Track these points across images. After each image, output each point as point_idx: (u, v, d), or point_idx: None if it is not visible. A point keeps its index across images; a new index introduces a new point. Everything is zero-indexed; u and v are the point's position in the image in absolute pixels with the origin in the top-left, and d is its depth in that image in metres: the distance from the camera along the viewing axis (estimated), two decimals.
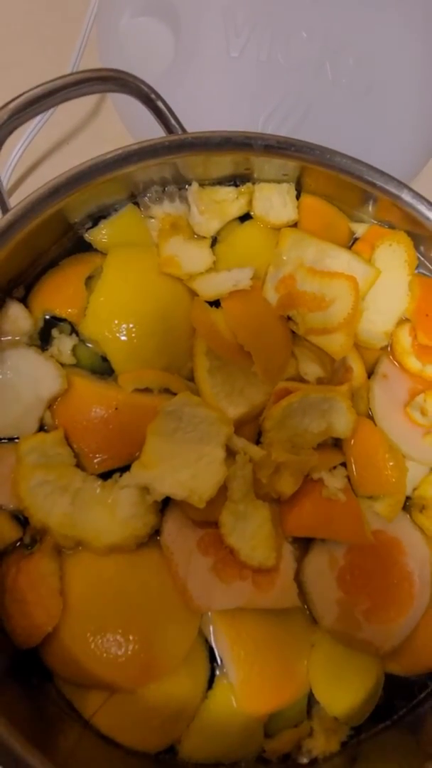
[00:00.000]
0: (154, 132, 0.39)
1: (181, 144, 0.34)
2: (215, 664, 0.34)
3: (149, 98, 0.35)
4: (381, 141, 0.51)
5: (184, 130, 0.36)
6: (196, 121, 0.40)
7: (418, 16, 0.50)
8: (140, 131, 0.53)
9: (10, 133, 0.33)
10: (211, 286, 0.37)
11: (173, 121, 0.36)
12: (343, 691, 0.34)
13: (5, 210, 0.33)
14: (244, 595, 0.33)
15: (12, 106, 0.32)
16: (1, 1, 0.61)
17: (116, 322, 0.35)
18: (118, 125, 0.55)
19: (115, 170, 0.34)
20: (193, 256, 0.38)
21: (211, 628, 0.34)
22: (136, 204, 0.39)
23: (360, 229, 0.41)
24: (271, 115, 0.49)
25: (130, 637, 0.32)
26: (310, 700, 0.34)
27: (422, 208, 0.37)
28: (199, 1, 0.48)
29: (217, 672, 0.34)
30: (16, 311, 0.35)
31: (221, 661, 0.34)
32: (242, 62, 0.47)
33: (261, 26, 0.48)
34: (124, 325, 0.35)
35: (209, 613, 0.34)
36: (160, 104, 0.36)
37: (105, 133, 0.59)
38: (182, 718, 0.32)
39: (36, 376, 0.34)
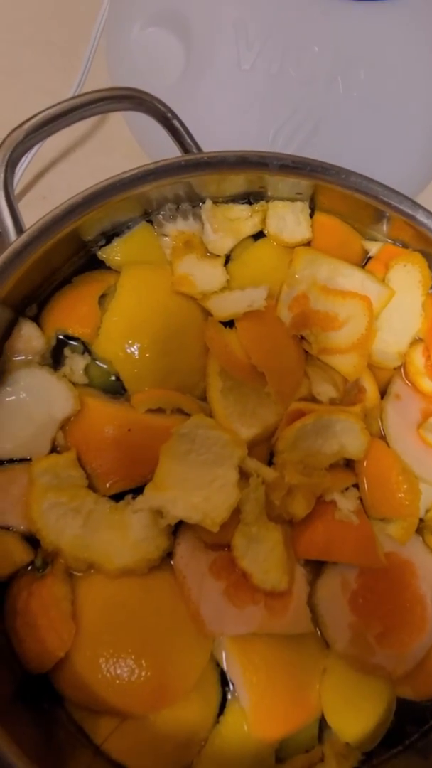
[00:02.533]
0: (164, 144, 0.38)
1: (197, 163, 0.34)
2: (227, 689, 0.34)
3: (165, 117, 0.35)
4: (391, 154, 0.51)
5: (199, 149, 0.36)
6: (206, 133, 0.39)
7: (429, 29, 0.50)
8: (151, 144, 0.53)
9: (26, 152, 0.32)
10: (226, 306, 0.36)
11: (189, 140, 0.36)
12: (355, 716, 0.34)
13: (19, 228, 0.32)
14: (256, 620, 0.33)
15: (27, 126, 0.31)
16: (9, 8, 0.61)
17: (129, 341, 0.35)
18: (125, 133, 0.55)
19: (132, 189, 0.33)
20: (206, 275, 0.38)
21: (223, 653, 0.34)
22: (150, 222, 0.39)
23: (374, 248, 0.41)
24: (281, 128, 0.49)
25: (143, 663, 0.31)
26: (322, 725, 0.34)
27: None
28: (210, 13, 0.47)
29: (229, 696, 0.34)
30: (29, 330, 0.35)
31: (233, 685, 0.34)
32: (253, 75, 0.47)
33: (272, 39, 0.47)
34: (137, 345, 0.35)
35: (221, 637, 0.33)
36: (176, 123, 0.35)
37: (112, 141, 0.59)
38: (194, 744, 0.32)
39: (49, 396, 0.34)
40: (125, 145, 0.57)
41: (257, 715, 0.33)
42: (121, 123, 0.56)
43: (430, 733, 0.35)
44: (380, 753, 0.35)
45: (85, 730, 0.32)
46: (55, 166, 0.58)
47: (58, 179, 0.57)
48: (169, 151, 0.38)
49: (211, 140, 0.38)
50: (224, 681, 0.34)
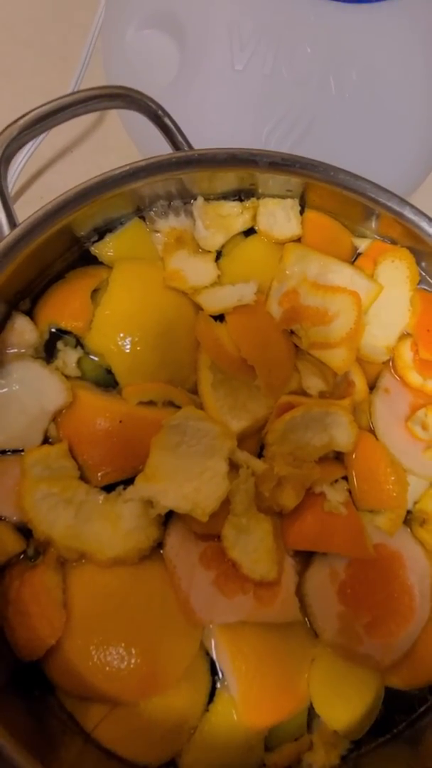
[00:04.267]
0: (160, 144, 0.39)
1: (188, 160, 0.35)
2: (216, 677, 0.34)
3: (157, 115, 0.36)
4: (383, 154, 0.51)
5: (190, 146, 0.37)
6: (200, 133, 0.40)
7: (421, 31, 0.50)
8: (145, 143, 0.53)
9: (19, 149, 0.33)
10: (216, 300, 0.37)
11: (180, 138, 0.36)
12: (343, 705, 0.34)
13: (12, 223, 0.33)
14: (245, 609, 0.33)
15: (21, 122, 0.32)
16: (7, 8, 0.62)
17: (121, 335, 0.36)
18: (122, 133, 0.56)
19: (123, 186, 0.34)
20: (197, 270, 0.38)
21: (213, 642, 0.34)
22: (142, 218, 0.39)
23: (363, 245, 0.41)
24: (274, 128, 0.49)
25: (133, 651, 0.32)
26: (311, 714, 0.35)
27: (424, 224, 0.38)
28: (204, 14, 0.48)
29: (218, 685, 0.34)
30: (22, 324, 0.35)
31: (222, 674, 0.34)
32: (246, 75, 0.48)
33: (265, 40, 0.48)
34: (128, 338, 0.36)
35: (211, 626, 0.34)
36: (167, 121, 0.36)
37: (109, 140, 0.60)
38: (183, 732, 0.33)
39: (41, 388, 0.34)
40: (122, 145, 0.58)
41: (246, 703, 0.33)
42: (118, 123, 0.57)
43: (417, 722, 0.35)
44: (368, 742, 0.35)
45: (75, 718, 0.32)
46: (53, 165, 0.59)
47: (56, 179, 0.58)
48: (164, 150, 0.38)
49: (205, 139, 0.39)
50: (214, 669, 0.34)
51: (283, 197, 0.40)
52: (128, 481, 0.34)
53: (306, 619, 0.35)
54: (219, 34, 0.48)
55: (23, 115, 0.32)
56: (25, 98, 0.60)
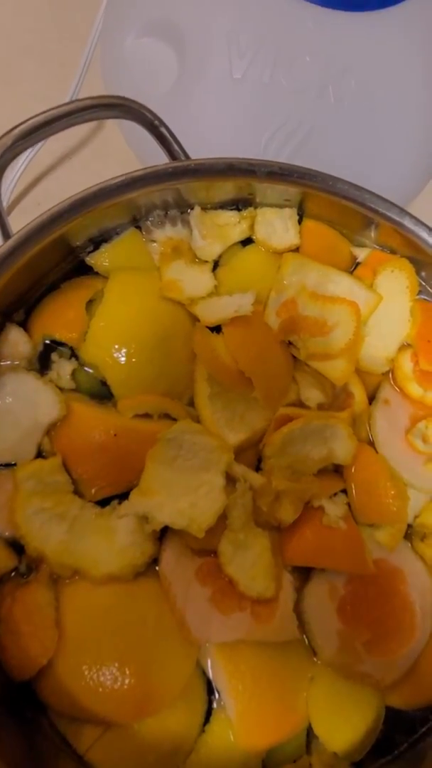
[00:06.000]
0: (158, 153, 0.39)
1: (185, 170, 0.34)
2: (213, 697, 0.33)
3: (153, 125, 0.35)
4: (382, 162, 0.51)
5: (187, 156, 0.36)
6: (198, 142, 0.40)
7: (420, 39, 0.50)
8: (143, 151, 0.53)
9: (14, 158, 0.33)
10: (213, 311, 0.36)
11: (176, 147, 0.36)
12: (343, 726, 0.34)
13: (6, 234, 0.33)
14: (243, 627, 0.33)
15: (16, 132, 0.32)
16: (5, 16, 0.62)
17: (116, 346, 0.35)
18: (120, 140, 0.56)
19: (119, 196, 0.34)
20: (194, 280, 0.38)
21: (209, 660, 0.33)
22: (138, 228, 0.39)
23: (362, 254, 0.41)
24: (273, 136, 0.49)
25: (127, 670, 0.31)
26: (309, 735, 0.34)
27: (424, 234, 0.37)
28: (203, 23, 0.48)
29: (215, 705, 0.33)
30: (16, 335, 0.35)
31: (219, 693, 0.33)
32: (245, 84, 0.48)
33: (264, 49, 0.48)
34: (124, 350, 0.35)
35: (207, 645, 0.33)
36: (163, 131, 0.36)
37: (108, 148, 0.60)
38: (179, 754, 0.32)
39: (35, 401, 0.34)
40: (120, 153, 0.57)
41: (243, 724, 0.32)
42: (117, 130, 0.57)
43: (419, 743, 0.35)
44: (369, 763, 0.34)
45: (68, 739, 0.32)
46: (51, 172, 0.59)
47: (54, 186, 0.58)
48: (162, 159, 0.38)
49: (203, 148, 0.39)
50: (210, 689, 0.33)
51: (281, 206, 0.40)
52: (123, 496, 0.34)
53: (304, 636, 0.34)
54: (218, 42, 0.47)
55: (19, 125, 0.32)
56: (23, 106, 0.60)
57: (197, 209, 0.39)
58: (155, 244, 0.39)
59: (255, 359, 0.36)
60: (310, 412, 0.36)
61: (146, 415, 0.35)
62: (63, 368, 0.36)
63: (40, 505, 0.32)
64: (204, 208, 0.39)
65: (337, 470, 0.38)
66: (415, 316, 0.39)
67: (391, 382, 0.40)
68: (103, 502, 0.34)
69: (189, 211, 0.39)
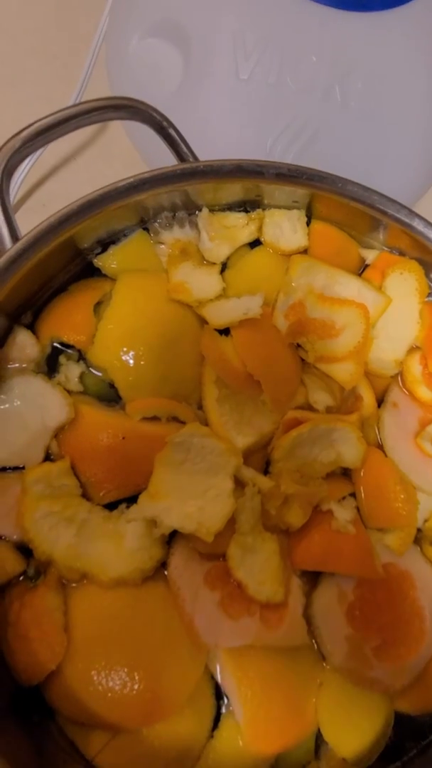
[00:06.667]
0: (164, 153, 0.38)
1: (193, 172, 0.34)
2: (221, 702, 0.33)
3: (161, 126, 0.35)
4: (388, 163, 0.51)
5: (195, 158, 0.36)
6: (204, 142, 0.40)
7: (426, 39, 0.50)
8: (149, 151, 0.53)
9: (22, 160, 0.33)
10: (222, 314, 0.36)
11: (185, 149, 0.36)
12: (352, 732, 0.33)
13: (14, 236, 0.32)
14: (251, 632, 0.32)
15: (24, 134, 0.31)
16: (10, 17, 0.61)
17: (124, 349, 0.35)
18: (125, 141, 0.55)
19: (127, 198, 0.33)
20: (202, 282, 0.37)
21: (218, 665, 0.33)
22: (146, 230, 0.39)
23: (370, 256, 0.41)
24: (279, 137, 0.49)
25: (136, 675, 0.31)
26: (318, 740, 0.34)
27: None
28: (209, 23, 0.48)
29: (224, 710, 0.33)
30: (23, 338, 0.35)
31: (227, 699, 0.33)
32: (251, 85, 0.47)
33: (270, 49, 0.48)
34: (132, 353, 0.35)
35: (216, 650, 0.33)
36: (172, 132, 0.35)
37: (113, 149, 0.59)
38: (187, 759, 0.32)
39: (43, 404, 0.34)
40: (125, 154, 0.57)
41: (252, 729, 0.32)
42: (122, 131, 0.57)
43: (429, 749, 0.34)
44: None
45: (76, 745, 0.31)
46: (56, 173, 0.58)
47: (58, 187, 0.58)
48: (167, 159, 0.38)
49: (210, 149, 0.39)
50: (219, 694, 0.33)
51: (289, 208, 0.40)
52: (131, 499, 0.34)
53: (313, 641, 0.34)
54: (223, 43, 0.47)
55: (26, 128, 0.32)
56: (29, 108, 0.60)
57: (205, 211, 0.38)
58: (163, 246, 0.39)
59: (263, 362, 0.36)
60: (319, 415, 0.36)
61: (154, 418, 0.35)
62: (71, 371, 0.35)
63: (49, 509, 0.32)
64: (212, 210, 0.39)
65: (346, 474, 0.37)
66: (425, 318, 0.39)
67: (400, 385, 0.39)
68: (111, 506, 0.34)
69: (197, 212, 0.39)
